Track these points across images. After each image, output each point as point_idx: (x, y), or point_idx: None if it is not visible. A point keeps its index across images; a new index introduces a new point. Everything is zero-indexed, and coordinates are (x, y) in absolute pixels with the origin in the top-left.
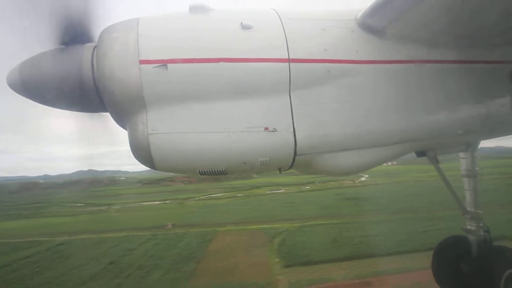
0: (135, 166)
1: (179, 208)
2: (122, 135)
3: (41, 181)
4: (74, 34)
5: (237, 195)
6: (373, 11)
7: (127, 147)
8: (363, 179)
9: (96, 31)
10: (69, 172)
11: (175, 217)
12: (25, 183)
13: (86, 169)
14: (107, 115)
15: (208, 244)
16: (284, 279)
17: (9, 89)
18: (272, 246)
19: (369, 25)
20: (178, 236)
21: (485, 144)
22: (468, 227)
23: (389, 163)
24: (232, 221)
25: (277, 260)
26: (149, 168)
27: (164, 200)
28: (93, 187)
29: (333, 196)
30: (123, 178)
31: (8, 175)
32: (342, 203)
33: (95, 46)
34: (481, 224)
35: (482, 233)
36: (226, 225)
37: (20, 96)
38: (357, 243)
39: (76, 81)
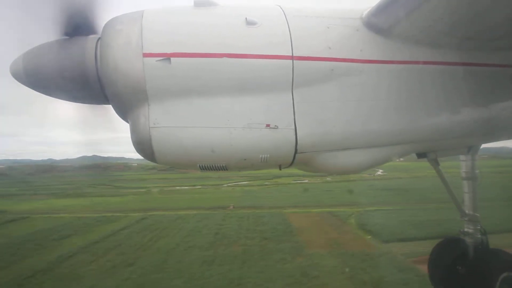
0: (133, 154)
1: (218, 192)
2: (123, 122)
3: (60, 164)
4: (78, 25)
5: (265, 183)
6: (379, 10)
7: (129, 134)
8: (379, 173)
9: (100, 23)
10: (74, 157)
11: (224, 199)
12: (42, 165)
13: (90, 154)
14: (109, 107)
15: (290, 222)
16: (393, 250)
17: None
18: (351, 226)
19: (374, 24)
20: (253, 215)
21: (491, 144)
22: (466, 229)
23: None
24: (288, 205)
25: (369, 237)
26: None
27: (193, 185)
28: (110, 171)
29: (367, 187)
30: (135, 164)
31: (12, 158)
32: (383, 193)
33: (99, 38)
34: (479, 227)
35: (479, 236)
36: (287, 208)
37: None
38: (433, 225)
39: (79, 73)
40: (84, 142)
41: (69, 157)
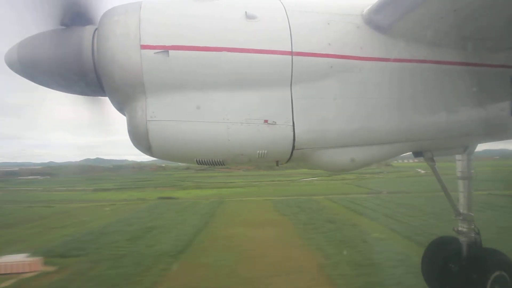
0: (137, 156)
1: (320, 184)
2: (123, 126)
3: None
4: (75, 15)
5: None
6: (380, 8)
7: (127, 137)
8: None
9: (98, 13)
10: (77, 160)
11: (351, 188)
12: (82, 166)
13: (93, 157)
14: (106, 99)
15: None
16: None
17: (9, 70)
18: None
19: (375, 21)
20: (415, 197)
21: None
22: (460, 228)
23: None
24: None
25: None
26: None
27: (272, 180)
28: (145, 172)
29: (398, 179)
30: (163, 165)
31: (10, 161)
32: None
33: (96, 29)
34: (473, 226)
35: (473, 235)
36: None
37: (21, 78)
38: None
39: (75, 63)
40: (85, 145)
41: (70, 160)
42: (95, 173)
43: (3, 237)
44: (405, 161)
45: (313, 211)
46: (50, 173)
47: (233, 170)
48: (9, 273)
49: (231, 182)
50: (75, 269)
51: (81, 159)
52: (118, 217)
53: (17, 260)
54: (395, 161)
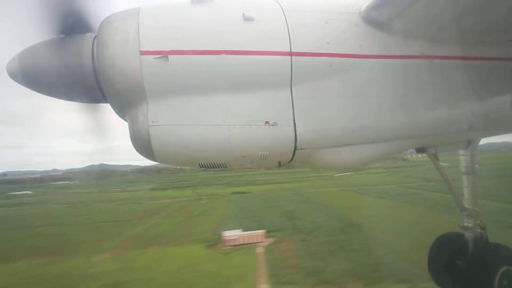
0: (140, 161)
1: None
2: (122, 130)
3: (121, 169)
4: (74, 24)
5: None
6: (378, 4)
7: (128, 143)
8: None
9: (97, 21)
10: (82, 166)
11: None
12: (104, 171)
13: (97, 163)
14: (107, 106)
15: None
16: None
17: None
18: None
19: (373, 18)
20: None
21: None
22: (465, 224)
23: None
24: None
25: None
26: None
27: (308, 176)
28: (163, 173)
29: (428, 171)
30: (178, 167)
31: (14, 170)
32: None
33: (96, 36)
34: (478, 222)
35: (478, 230)
36: None
37: (22, 87)
38: None
39: (76, 71)
40: (88, 152)
41: (74, 167)
42: (117, 177)
43: (170, 225)
44: (419, 155)
45: (400, 195)
46: (73, 178)
47: (251, 170)
48: (246, 244)
49: (273, 179)
50: (293, 239)
51: (85, 165)
52: (231, 206)
53: (248, 234)
54: (410, 156)
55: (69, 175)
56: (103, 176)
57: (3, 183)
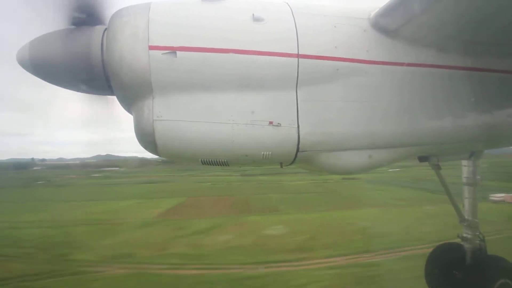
0: (145, 153)
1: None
2: (128, 121)
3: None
4: (85, 16)
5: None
6: (387, 12)
7: (133, 134)
8: None
9: (107, 14)
10: (88, 156)
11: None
12: (141, 160)
13: (104, 154)
14: (114, 98)
15: None
16: None
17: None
18: None
19: (382, 25)
20: None
21: None
22: (464, 235)
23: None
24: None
25: None
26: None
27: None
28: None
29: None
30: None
31: (18, 158)
32: None
33: (105, 29)
34: (477, 233)
35: (477, 241)
36: None
37: (30, 75)
38: None
39: (84, 63)
40: (93, 142)
41: (79, 156)
42: (151, 166)
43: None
44: None
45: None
46: (115, 165)
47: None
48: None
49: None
50: None
51: (92, 155)
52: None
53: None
54: None
55: (107, 163)
56: (141, 165)
57: (48, 167)
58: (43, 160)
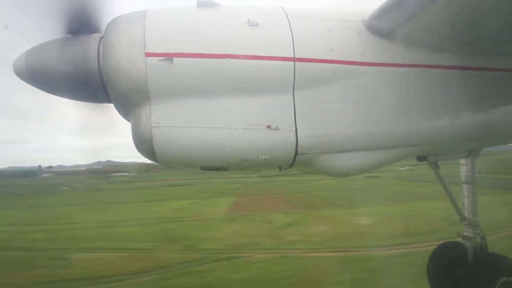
0: (140, 159)
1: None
2: (126, 126)
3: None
4: (81, 24)
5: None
6: (381, 14)
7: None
8: None
9: (103, 22)
10: (88, 163)
11: None
12: (146, 165)
13: (104, 159)
14: (111, 106)
15: None
16: None
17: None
18: None
19: (376, 27)
20: None
21: None
22: (465, 233)
23: None
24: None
25: None
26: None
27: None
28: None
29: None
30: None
31: (17, 166)
32: None
33: (102, 37)
34: (478, 231)
35: (478, 240)
36: None
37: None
38: None
39: (81, 71)
40: (92, 148)
41: (79, 163)
42: (157, 171)
43: None
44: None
45: None
46: (123, 170)
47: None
48: None
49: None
50: None
51: (92, 161)
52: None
53: None
54: None
55: (117, 168)
56: (147, 169)
57: (56, 174)
58: (50, 167)
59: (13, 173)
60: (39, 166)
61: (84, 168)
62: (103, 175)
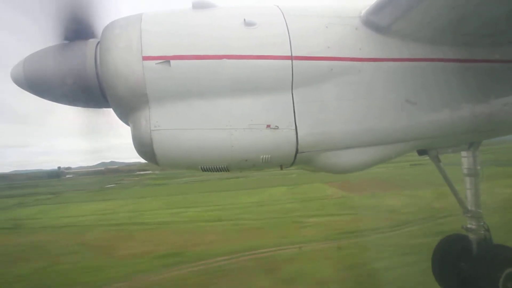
0: (139, 159)
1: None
2: (126, 128)
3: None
4: (77, 30)
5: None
6: (377, 9)
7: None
8: None
9: (99, 27)
10: (92, 164)
11: None
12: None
13: (107, 161)
14: (110, 110)
15: None
16: None
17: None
18: None
19: (373, 22)
20: None
21: None
22: (469, 225)
23: None
24: None
25: None
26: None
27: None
28: None
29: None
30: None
31: (20, 169)
32: None
33: (98, 42)
34: (482, 223)
35: (482, 232)
36: None
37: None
38: None
39: (79, 77)
40: (94, 150)
41: (82, 165)
42: (175, 171)
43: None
44: None
45: None
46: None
47: None
48: None
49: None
50: None
51: (97, 163)
52: None
53: None
54: None
55: (137, 167)
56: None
57: (78, 175)
58: (69, 168)
59: (45, 174)
60: (59, 167)
61: (103, 168)
62: (126, 174)
